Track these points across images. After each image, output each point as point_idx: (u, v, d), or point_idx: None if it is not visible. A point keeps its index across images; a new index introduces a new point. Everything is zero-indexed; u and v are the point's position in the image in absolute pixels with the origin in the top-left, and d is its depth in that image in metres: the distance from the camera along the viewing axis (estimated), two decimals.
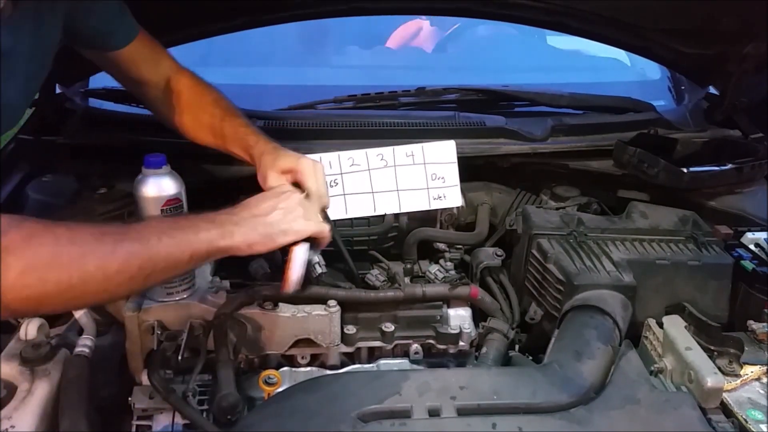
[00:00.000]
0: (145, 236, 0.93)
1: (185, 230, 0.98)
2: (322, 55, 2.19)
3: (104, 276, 0.88)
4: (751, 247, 1.38)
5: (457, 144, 1.46)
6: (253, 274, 1.33)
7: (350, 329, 1.28)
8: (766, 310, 1.25)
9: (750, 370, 1.12)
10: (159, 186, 1.15)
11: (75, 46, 1.25)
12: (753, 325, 1.21)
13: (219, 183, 1.51)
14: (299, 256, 1.15)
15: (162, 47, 1.35)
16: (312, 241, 1.16)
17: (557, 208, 1.51)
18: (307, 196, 1.18)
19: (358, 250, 1.44)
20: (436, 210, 1.48)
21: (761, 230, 1.42)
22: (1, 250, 0.79)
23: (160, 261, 0.94)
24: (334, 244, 1.29)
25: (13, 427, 0.98)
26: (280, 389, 1.14)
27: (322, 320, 1.24)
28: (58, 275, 0.84)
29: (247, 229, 1.04)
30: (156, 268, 0.93)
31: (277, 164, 1.22)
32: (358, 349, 1.31)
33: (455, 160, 1.44)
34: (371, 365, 1.31)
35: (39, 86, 1.12)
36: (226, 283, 1.26)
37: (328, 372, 1.25)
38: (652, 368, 1.18)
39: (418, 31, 2.35)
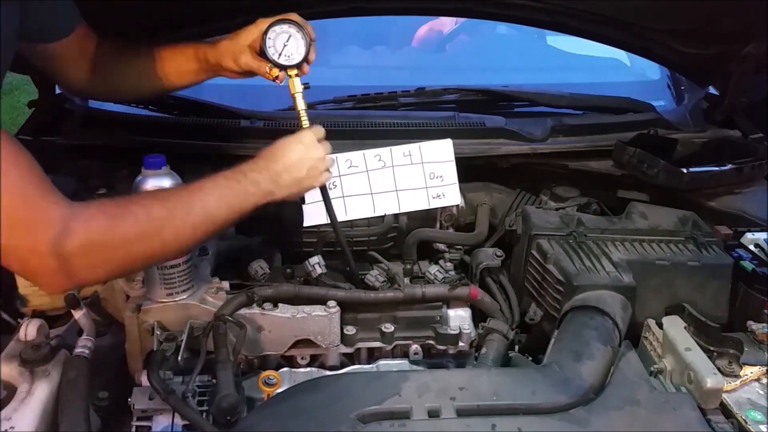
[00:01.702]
0: (207, 205, 1.06)
1: (237, 195, 1.11)
2: (321, 55, 2.18)
3: (178, 242, 1.05)
4: (751, 247, 1.38)
5: (456, 144, 1.46)
6: (253, 275, 1.34)
7: (350, 330, 1.28)
8: (765, 311, 1.26)
9: (749, 371, 1.12)
10: (158, 186, 1.15)
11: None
12: (753, 325, 1.21)
13: None
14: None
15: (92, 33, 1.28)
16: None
17: (557, 209, 1.51)
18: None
19: (358, 250, 1.44)
20: (436, 210, 1.48)
21: (761, 230, 1.42)
22: (93, 234, 0.92)
23: (220, 221, 1.09)
24: (338, 243, 1.30)
25: (12, 427, 0.98)
26: (280, 390, 1.15)
27: (321, 321, 1.24)
28: (143, 248, 0.99)
29: (285, 188, 1.17)
30: (216, 228, 1.09)
31: (238, 41, 1.23)
32: (358, 349, 1.32)
33: (453, 158, 1.44)
34: (371, 366, 1.31)
35: (3, 78, 1.10)
36: (226, 284, 1.27)
37: (328, 373, 1.26)
38: (652, 369, 1.18)
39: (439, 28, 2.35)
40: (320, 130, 1.24)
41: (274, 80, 1.24)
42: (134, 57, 1.31)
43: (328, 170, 1.24)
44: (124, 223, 0.96)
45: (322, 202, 1.39)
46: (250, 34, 1.24)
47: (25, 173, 0.88)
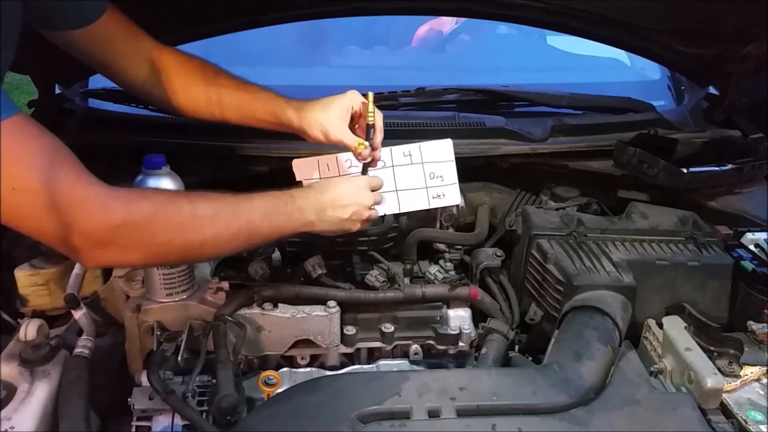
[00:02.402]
0: (252, 217, 1.08)
1: (282, 216, 1.13)
2: (321, 55, 2.18)
3: (217, 243, 1.05)
4: (751, 247, 1.37)
5: (456, 144, 1.46)
6: (253, 275, 1.34)
7: (350, 330, 1.28)
8: (765, 311, 1.25)
9: (750, 371, 1.12)
10: (158, 186, 1.15)
11: (37, 28, 1.12)
12: (753, 325, 1.21)
13: (219, 183, 1.51)
14: None
15: (134, 25, 1.24)
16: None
17: (557, 209, 1.51)
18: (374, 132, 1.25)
19: (358, 250, 1.44)
20: (436, 210, 1.47)
21: (761, 230, 1.42)
22: (134, 215, 0.94)
23: (259, 236, 1.12)
24: None
25: (12, 427, 0.98)
26: (280, 390, 1.15)
27: (321, 321, 1.24)
28: (182, 240, 1.00)
29: (326, 223, 1.18)
30: (254, 240, 1.13)
31: (329, 110, 1.23)
32: (358, 349, 1.32)
33: (453, 158, 1.44)
34: (371, 366, 1.31)
35: (3, 75, 1.08)
36: (226, 284, 1.26)
37: (328, 373, 1.26)
38: (652, 369, 1.18)
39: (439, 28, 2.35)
40: (378, 181, 1.27)
41: (357, 157, 1.25)
42: (193, 76, 1.28)
43: (369, 220, 1.24)
44: (167, 211, 0.99)
45: None
46: (341, 106, 1.24)
47: (58, 156, 0.91)
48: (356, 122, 1.27)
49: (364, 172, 1.28)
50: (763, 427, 1.02)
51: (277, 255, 1.41)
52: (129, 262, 1.08)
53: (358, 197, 1.21)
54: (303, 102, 1.27)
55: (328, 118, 1.23)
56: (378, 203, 1.25)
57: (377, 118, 1.25)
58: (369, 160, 1.26)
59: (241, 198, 1.09)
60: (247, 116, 1.29)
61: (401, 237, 1.46)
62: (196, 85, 1.28)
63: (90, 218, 0.91)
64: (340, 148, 1.42)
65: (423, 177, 1.43)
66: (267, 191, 1.13)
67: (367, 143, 1.23)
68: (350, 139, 1.23)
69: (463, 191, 1.48)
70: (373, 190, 1.25)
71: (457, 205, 1.48)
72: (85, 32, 1.16)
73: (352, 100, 1.25)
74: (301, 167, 1.39)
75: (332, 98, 1.26)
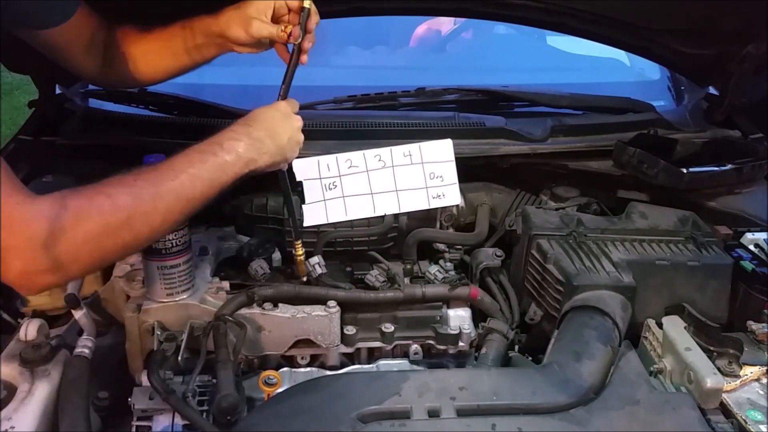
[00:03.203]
0: (179, 186, 1.00)
1: (214, 170, 1.04)
2: (321, 55, 2.18)
3: (151, 229, 0.99)
4: (751, 247, 1.38)
5: (456, 144, 1.46)
6: (253, 275, 1.34)
7: (350, 330, 1.28)
8: (765, 311, 1.26)
9: (749, 371, 1.12)
10: None
11: (12, 28, 1.10)
12: (752, 325, 1.22)
13: None
14: None
15: (101, 19, 1.24)
16: None
17: (557, 209, 1.51)
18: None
19: (358, 250, 1.44)
20: (436, 210, 1.48)
21: (761, 231, 1.42)
22: (56, 233, 0.87)
23: (195, 201, 1.03)
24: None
25: (13, 427, 0.98)
26: (280, 390, 1.15)
27: (321, 321, 1.24)
28: (113, 241, 0.94)
29: (267, 155, 1.12)
30: (194, 207, 1.03)
31: (245, 10, 1.18)
32: (358, 349, 1.32)
33: (453, 158, 1.44)
34: (371, 366, 1.31)
35: None
36: (226, 284, 1.27)
37: (328, 372, 1.26)
38: (652, 369, 1.18)
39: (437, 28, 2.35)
40: (294, 103, 1.22)
41: (287, 39, 1.20)
42: (142, 39, 1.27)
43: (300, 143, 1.21)
44: (87, 218, 0.91)
45: (323, 202, 1.40)
46: (257, 5, 1.19)
47: None
48: (281, 21, 1.21)
49: (294, 60, 1.22)
50: (762, 427, 1.02)
51: (277, 255, 1.41)
52: (69, 277, 0.97)
53: (289, 120, 1.18)
54: (225, 9, 1.22)
55: (248, 11, 1.18)
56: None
57: (313, 14, 1.20)
58: (299, 40, 1.19)
59: (162, 168, 1.01)
60: (196, 48, 1.25)
61: (401, 237, 1.46)
62: (147, 47, 1.26)
63: (23, 241, 0.85)
64: (340, 148, 1.43)
65: (423, 177, 1.43)
66: (191, 147, 1.05)
67: (293, 27, 1.18)
68: (273, 28, 1.18)
69: (463, 191, 1.48)
70: (294, 113, 1.21)
71: (457, 205, 1.48)
72: (58, 31, 1.15)
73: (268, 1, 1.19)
74: (301, 167, 1.40)
75: (242, 5, 1.20)
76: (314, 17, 1.21)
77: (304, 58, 1.23)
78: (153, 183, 0.99)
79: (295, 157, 1.20)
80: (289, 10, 1.21)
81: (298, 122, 1.19)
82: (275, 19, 1.21)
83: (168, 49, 1.26)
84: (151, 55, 1.27)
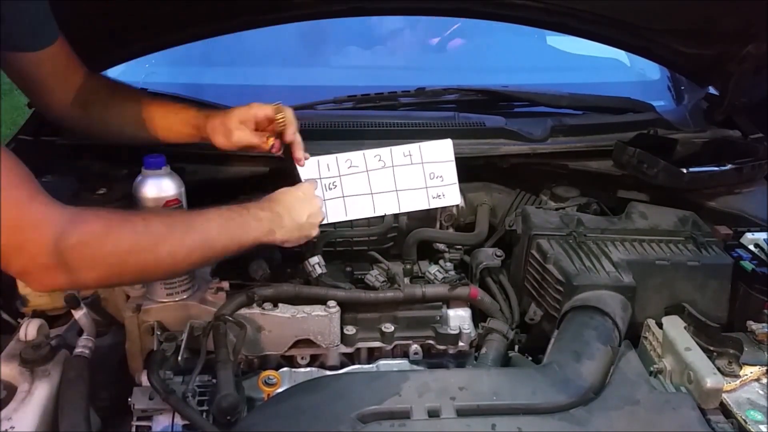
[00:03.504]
0: (207, 229, 1.08)
1: (238, 227, 1.13)
2: (321, 55, 2.18)
3: (173, 261, 1.04)
4: (751, 247, 1.38)
5: (456, 144, 1.46)
6: (253, 275, 1.34)
7: (350, 330, 1.28)
8: (765, 311, 1.26)
9: (749, 371, 1.12)
10: (159, 187, 1.15)
11: None
12: (752, 325, 1.21)
13: (219, 183, 1.51)
14: None
15: (75, 56, 1.28)
16: None
17: (557, 209, 1.51)
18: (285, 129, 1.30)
19: (358, 250, 1.44)
20: (436, 210, 1.47)
21: (761, 231, 1.42)
22: (85, 237, 0.92)
23: (217, 250, 1.11)
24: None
25: (13, 427, 0.98)
26: (280, 390, 1.15)
27: (321, 321, 1.24)
28: (135, 260, 0.99)
29: (287, 232, 1.21)
30: (213, 255, 1.12)
31: (231, 118, 1.26)
32: (358, 349, 1.32)
33: (453, 158, 1.44)
34: (371, 366, 1.31)
35: None
36: (226, 284, 1.26)
37: (328, 372, 1.26)
38: (652, 369, 1.19)
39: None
40: (313, 184, 1.33)
41: (270, 150, 1.30)
42: (124, 100, 1.32)
43: (320, 223, 1.29)
44: (119, 231, 0.97)
45: (323, 202, 1.39)
46: (242, 113, 1.28)
47: (13, 177, 0.88)
48: (265, 129, 1.31)
49: (297, 175, 1.34)
50: (762, 427, 1.02)
51: (277, 255, 1.41)
52: (80, 284, 1.04)
53: (310, 202, 1.27)
54: (213, 110, 1.32)
55: (230, 122, 1.26)
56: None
57: (288, 125, 1.30)
58: (280, 152, 1.32)
59: (194, 213, 1.11)
60: (174, 132, 1.32)
61: (401, 237, 1.46)
62: (128, 109, 1.31)
63: (40, 240, 0.89)
64: (340, 148, 1.43)
65: (423, 177, 1.43)
66: (223, 206, 1.14)
67: (274, 138, 1.28)
68: (255, 138, 1.28)
69: (463, 191, 1.48)
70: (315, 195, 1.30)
71: (457, 205, 1.48)
72: (33, 57, 1.19)
73: (255, 108, 1.28)
74: (302, 167, 1.39)
75: (235, 107, 1.30)
76: (290, 127, 1.30)
77: (299, 156, 1.35)
78: (185, 221, 1.08)
79: (313, 234, 1.27)
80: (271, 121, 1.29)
81: (317, 204, 1.28)
82: (259, 128, 1.29)
83: (150, 123, 1.31)
84: (132, 120, 1.32)
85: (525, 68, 2.15)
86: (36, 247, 0.89)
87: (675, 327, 1.21)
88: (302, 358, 1.29)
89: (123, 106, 1.32)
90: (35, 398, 1.03)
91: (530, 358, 1.34)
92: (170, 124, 1.31)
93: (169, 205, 1.16)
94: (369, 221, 1.44)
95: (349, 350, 1.30)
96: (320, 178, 1.39)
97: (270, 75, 2.04)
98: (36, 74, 1.23)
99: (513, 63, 2.20)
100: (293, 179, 1.35)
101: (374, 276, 1.36)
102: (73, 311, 1.16)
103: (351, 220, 1.42)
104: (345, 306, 1.28)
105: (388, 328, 1.30)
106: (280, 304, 1.25)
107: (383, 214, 1.43)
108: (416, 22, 2.28)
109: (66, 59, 1.25)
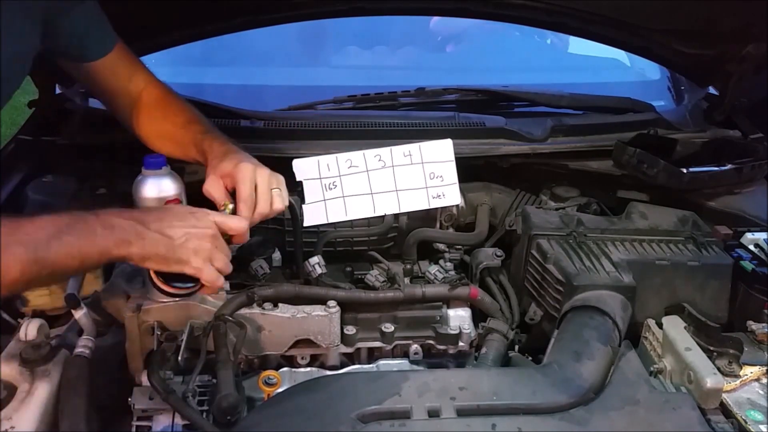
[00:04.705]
0: (34, 240, 0.89)
1: (79, 235, 0.92)
2: (321, 55, 2.19)
3: None
4: (751, 247, 1.38)
5: (456, 144, 1.46)
6: (253, 275, 1.34)
7: (350, 330, 1.28)
8: (765, 311, 1.26)
9: (749, 371, 1.12)
10: (159, 187, 1.15)
11: (51, 56, 1.19)
12: (752, 325, 1.22)
13: None
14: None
15: (138, 59, 1.29)
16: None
17: (557, 209, 1.51)
18: (236, 203, 1.12)
19: (358, 250, 1.44)
20: (436, 210, 1.48)
21: (761, 231, 1.42)
22: None
23: (46, 266, 0.90)
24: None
25: (13, 427, 0.98)
26: (280, 390, 1.15)
27: (321, 321, 1.24)
28: None
29: (148, 244, 0.98)
30: (41, 273, 0.90)
31: (219, 167, 1.14)
32: (358, 349, 1.32)
33: (453, 158, 1.44)
34: (371, 366, 1.31)
35: (13, 91, 1.08)
36: (226, 284, 1.26)
37: (328, 372, 1.26)
38: (652, 369, 1.18)
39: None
40: (240, 226, 1.08)
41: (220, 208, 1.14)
42: (164, 118, 1.27)
43: (216, 261, 1.03)
44: None
45: (323, 202, 1.39)
46: (224, 168, 1.14)
47: None
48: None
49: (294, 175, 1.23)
50: (762, 427, 1.02)
51: (277, 255, 1.41)
52: None
53: (199, 222, 1.03)
54: (220, 148, 1.18)
55: (214, 171, 1.15)
56: (228, 256, 1.06)
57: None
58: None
59: (24, 219, 0.91)
60: (188, 155, 1.24)
61: (401, 237, 1.46)
62: (165, 123, 1.27)
63: None
64: (340, 148, 1.43)
65: (423, 177, 1.43)
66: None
67: (231, 205, 1.12)
68: (218, 195, 1.13)
69: (463, 191, 1.48)
70: (232, 238, 1.07)
71: (457, 205, 1.48)
72: (97, 64, 1.21)
73: (233, 168, 1.13)
74: (301, 167, 1.40)
75: (230, 158, 1.15)
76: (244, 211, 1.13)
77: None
78: (11, 228, 0.89)
79: (194, 264, 1.01)
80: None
81: (211, 232, 1.03)
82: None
83: (178, 140, 1.25)
84: (168, 134, 1.27)
85: (525, 68, 2.16)
86: None
87: (675, 327, 1.21)
88: (302, 358, 1.29)
89: (162, 123, 1.28)
90: (35, 398, 1.03)
91: (530, 358, 1.34)
92: (191, 149, 1.23)
93: None
94: (369, 221, 1.44)
95: (349, 350, 1.30)
96: (320, 178, 1.39)
97: (270, 75, 2.04)
98: (98, 82, 1.25)
99: (513, 63, 2.20)
100: (292, 176, 1.35)
101: (374, 276, 1.36)
102: (73, 311, 1.16)
103: (351, 220, 1.42)
104: (345, 306, 1.28)
105: (388, 328, 1.30)
106: (280, 304, 1.25)
107: (383, 214, 1.43)
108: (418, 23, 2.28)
109: (124, 66, 1.26)
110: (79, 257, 0.93)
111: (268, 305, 1.24)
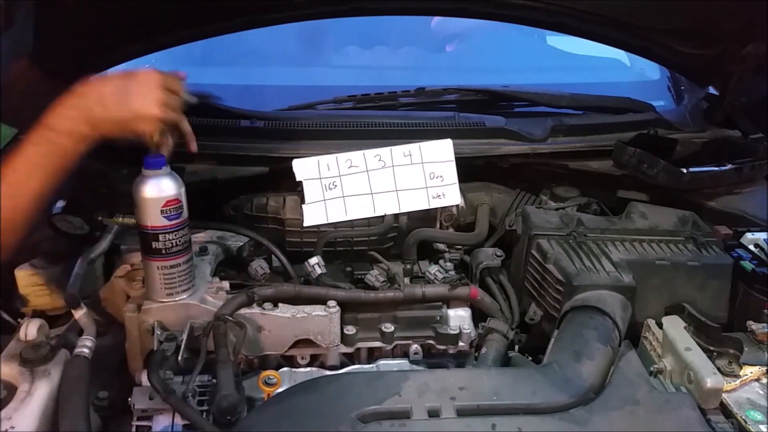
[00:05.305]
0: (18, 182, 0.97)
1: (53, 159, 1.01)
2: (321, 55, 2.18)
3: None
4: (751, 247, 1.38)
5: (456, 144, 1.46)
6: (253, 275, 1.34)
7: (350, 330, 1.28)
8: (765, 311, 1.26)
9: (749, 371, 1.12)
10: (159, 187, 1.15)
11: None
12: (752, 325, 1.22)
13: (219, 183, 1.51)
14: None
15: None
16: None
17: (557, 209, 1.51)
18: None
19: (358, 250, 1.44)
20: (436, 210, 1.48)
21: (761, 230, 1.42)
22: None
23: (36, 194, 1.00)
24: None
25: (13, 427, 0.98)
26: (280, 390, 1.15)
27: (321, 321, 1.24)
28: None
29: (105, 120, 1.05)
30: (41, 201, 1.00)
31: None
32: (358, 349, 1.32)
33: (453, 158, 1.44)
34: (371, 366, 1.31)
35: None
36: (226, 284, 1.27)
37: (328, 372, 1.26)
38: (652, 369, 1.19)
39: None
40: (175, 83, 1.10)
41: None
42: None
43: (166, 110, 1.06)
44: None
45: (323, 202, 1.39)
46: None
47: None
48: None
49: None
50: (762, 427, 1.02)
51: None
52: None
53: (141, 76, 1.06)
54: None
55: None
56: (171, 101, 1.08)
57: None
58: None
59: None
60: None
61: (401, 237, 1.46)
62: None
63: None
64: (340, 148, 1.43)
65: (423, 177, 1.43)
66: (27, 139, 1.00)
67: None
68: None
69: (463, 191, 1.48)
70: (166, 86, 1.08)
71: (457, 205, 1.48)
72: None
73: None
74: (301, 167, 1.40)
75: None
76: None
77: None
78: None
79: (154, 112, 1.06)
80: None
81: (156, 79, 1.06)
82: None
83: None
84: None
85: (525, 68, 2.15)
86: None
87: (675, 327, 1.21)
88: (302, 358, 1.29)
89: None
90: (35, 398, 1.03)
91: (530, 358, 1.34)
92: None
93: (169, 205, 1.15)
94: (369, 221, 1.44)
95: (349, 350, 1.30)
96: (320, 178, 1.39)
97: (270, 75, 2.04)
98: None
99: (513, 63, 2.20)
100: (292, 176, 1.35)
101: (374, 276, 1.36)
102: (73, 311, 1.16)
103: (351, 220, 1.42)
104: (345, 306, 1.28)
105: (388, 328, 1.30)
106: (280, 304, 1.25)
107: (383, 214, 1.43)
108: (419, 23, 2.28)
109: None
110: (61, 170, 1.01)
111: (268, 305, 1.24)
